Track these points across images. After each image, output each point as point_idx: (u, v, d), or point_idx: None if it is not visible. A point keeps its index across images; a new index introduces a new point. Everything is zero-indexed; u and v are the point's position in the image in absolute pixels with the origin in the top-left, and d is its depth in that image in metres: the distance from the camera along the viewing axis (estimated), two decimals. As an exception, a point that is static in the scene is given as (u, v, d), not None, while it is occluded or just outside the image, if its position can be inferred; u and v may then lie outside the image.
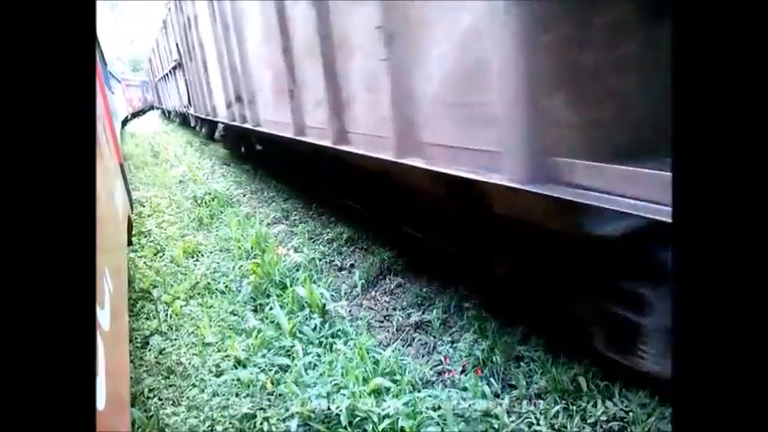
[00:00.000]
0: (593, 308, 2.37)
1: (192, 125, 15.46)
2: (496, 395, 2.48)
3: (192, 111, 12.26)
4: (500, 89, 1.77)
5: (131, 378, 2.79)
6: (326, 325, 3.25)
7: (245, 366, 2.91)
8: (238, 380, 2.75)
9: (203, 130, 14.09)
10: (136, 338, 3.44)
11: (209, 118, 9.27)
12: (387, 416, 2.31)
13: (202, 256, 5.02)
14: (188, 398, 2.71)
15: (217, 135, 10.96)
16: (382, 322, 3.42)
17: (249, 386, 2.70)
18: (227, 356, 3.03)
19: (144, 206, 7.23)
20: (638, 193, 1.42)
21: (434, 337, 3.09)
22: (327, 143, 3.48)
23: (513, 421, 2.29)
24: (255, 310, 3.67)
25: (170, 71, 15.78)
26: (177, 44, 11.80)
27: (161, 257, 5.08)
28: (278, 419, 2.41)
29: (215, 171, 9.73)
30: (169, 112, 24.42)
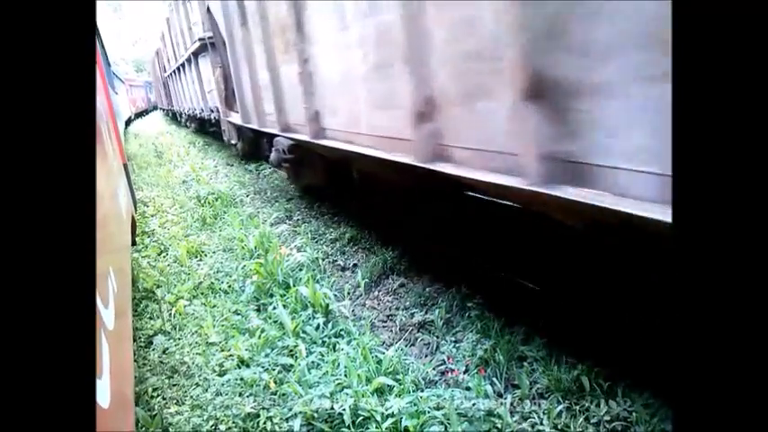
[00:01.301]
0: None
1: (230, 140, 9.70)
2: (499, 395, 2.48)
3: (234, 118, 7.62)
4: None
5: (135, 377, 2.80)
6: (329, 324, 3.25)
7: (248, 366, 2.92)
8: (242, 379, 2.76)
9: (239, 144, 9.25)
10: (139, 338, 3.46)
11: (308, 140, 4.20)
12: (390, 415, 2.31)
13: (206, 255, 5.03)
14: (191, 397, 2.71)
15: (274, 157, 5.82)
16: (385, 322, 3.42)
17: (252, 385, 2.70)
18: (230, 356, 3.04)
19: (147, 206, 7.25)
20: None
21: (437, 337, 3.09)
22: None
23: (516, 421, 2.28)
24: (258, 310, 3.67)
25: (188, 60, 11.72)
26: (209, 8, 7.46)
27: (164, 257, 5.09)
28: (281, 419, 2.42)
29: (218, 171, 9.74)
30: (180, 115, 19.22)
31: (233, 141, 9.42)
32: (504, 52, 1.86)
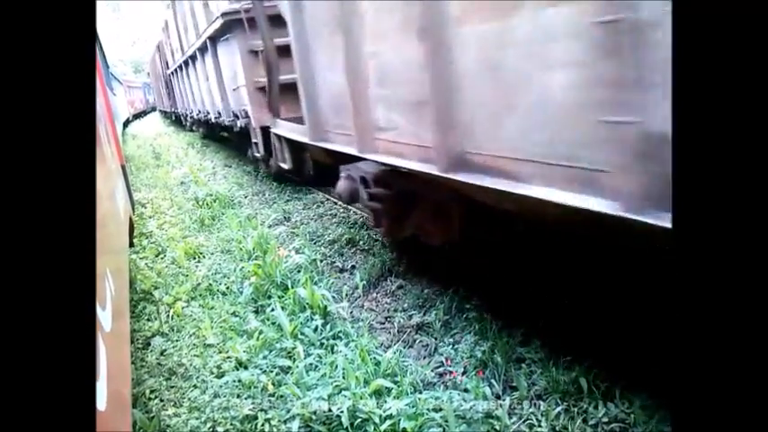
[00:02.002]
0: None
1: (263, 158, 7.08)
2: (498, 396, 2.48)
3: (286, 130, 5.11)
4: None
5: (132, 379, 2.79)
6: (328, 326, 3.25)
7: (246, 368, 2.91)
8: (240, 381, 2.76)
9: (286, 165, 5.64)
10: (137, 340, 3.45)
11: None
12: (388, 417, 2.31)
13: (204, 257, 5.02)
14: (189, 399, 2.71)
15: (344, 188, 3.95)
16: (383, 324, 3.42)
17: (250, 387, 2.70)
18: (228, 358, 3.03)
19: (145, 207, 7.24)
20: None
21: (435, 339, 3.09)
22: None
23: (514, 422, 2.28)
24: (257, 312, 3.67)
25: (201, 48, 8.75)
26: None
27: (162, 259, 5.08)
28: (279, 421, 2.41)
29: (216, 173, 9.73)
30: (185, 118, 15.90)
31: (284, 166, 5.63)
32: None
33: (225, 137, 11.60)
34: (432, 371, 2.76)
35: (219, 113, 9.10)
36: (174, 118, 20.93)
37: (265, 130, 6.22)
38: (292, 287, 3.69)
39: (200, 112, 11.65)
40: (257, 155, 7.25)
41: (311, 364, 2.86)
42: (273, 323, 3.37)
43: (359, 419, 2.33)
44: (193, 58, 10.22)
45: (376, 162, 3.24)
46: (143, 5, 47.67)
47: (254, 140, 7.11)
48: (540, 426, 2.25)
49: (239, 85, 6.89)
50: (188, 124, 16.30)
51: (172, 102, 18.15)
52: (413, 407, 2.35)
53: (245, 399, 2.61)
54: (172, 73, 15.05)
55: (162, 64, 17.84)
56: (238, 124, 7.54)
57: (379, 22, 2.78)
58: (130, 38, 53.39)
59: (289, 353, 3.01)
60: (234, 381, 2.77)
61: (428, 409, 2.33)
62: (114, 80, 15.04)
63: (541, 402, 2.39)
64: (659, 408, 2.23)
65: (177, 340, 3.39)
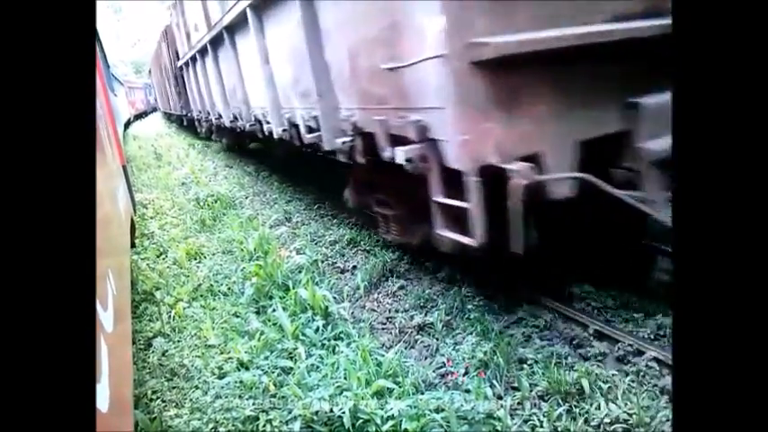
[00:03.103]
0: None
1: None
2: (499, 397, 2.48)
3: None
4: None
5: (134, 380, 2.79)
6: (329, 327, 3.25)
7: (247, 368, 2.91)
8: (241, 382, 2.76)
9: None
10: (139, 340, 3.45)
11: None
12: (390, 418, 2.30)
13: (205, 258, 5.02)
14: (191, 400, 2.71)
15: None
16: (385, 324, 3.42)
17: (252, 388, 2.70)
18: (229, 358, 3.03)
19: (147, 208, 7.24)
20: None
21: (437, 339, 3.09)
22: None
23: (515, 423, 2.28)
24: (258, 313, 3.66)
25: (255, 6, 4.18)
26: None
27: (164, 259, 5.08)
28: (281, 422, 2.41)
29: (217, 173, 9.74)
30: (199, 123, 11.09)
31: None
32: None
33: (255, 150, 9.13)
34: (433, 371, 2.75)
35: (297, 126, 4.20)
36: (182, 122, 16.18)
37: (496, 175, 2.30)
38: (293, 288, 3.68)
39: (235, 119, 6.82)
40: (475, 241, 2.35)
41: (313, 364, 2.86)
42: (275, 324, 3.36)
43: (360, 420, 2.33)
44: (231, 30, 5.68)
45: None
46: (145, 6, 47.73)
47: (438, 200, 2.52)
48: (541, 426, 2.25)
49: (412, 61, 2.35)
50: (203, 130, 11.59)
51: (183, 102, 13.03)
52: (414, 407, 2.35)
53: (247, 399, 2.61)
54: (185, 64, 10.37)
55: (170, 54, 13.03)
56: (398, 157, 2.54)
57: None
58: (132, 39, 53.42)
59: (290, 353, 3.01)
60: (235, 381, 2.77)
61: (430, 410, 2.33)
62: (115, 81, 14.96)
63: (543, 403, 2.39)
64: (661, 408, 2.22)
65: (179, 341, 3.39)
